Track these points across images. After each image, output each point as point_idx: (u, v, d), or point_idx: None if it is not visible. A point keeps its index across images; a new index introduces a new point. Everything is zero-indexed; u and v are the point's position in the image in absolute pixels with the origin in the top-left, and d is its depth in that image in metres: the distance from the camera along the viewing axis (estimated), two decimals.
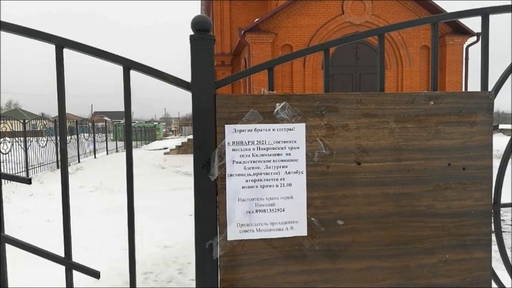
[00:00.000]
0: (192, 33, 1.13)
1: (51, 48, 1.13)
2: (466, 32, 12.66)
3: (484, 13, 1.27)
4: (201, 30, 1.12)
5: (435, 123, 1.19)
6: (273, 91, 1.19)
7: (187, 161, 15.19)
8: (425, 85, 12.73)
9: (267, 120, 1.13)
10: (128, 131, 1.19)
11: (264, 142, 1.12)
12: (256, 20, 12.47)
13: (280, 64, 1.23)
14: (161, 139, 37.03)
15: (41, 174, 11.81)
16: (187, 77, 1.21)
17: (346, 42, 1.26)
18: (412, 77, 12.82)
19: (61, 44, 1.09)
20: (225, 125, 1.11)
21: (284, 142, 1.13)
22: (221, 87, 1.17)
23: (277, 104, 1.13)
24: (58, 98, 1.13)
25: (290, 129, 1.13)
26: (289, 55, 1.24)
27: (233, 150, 1.11)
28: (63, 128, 1.17)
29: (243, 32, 12.06)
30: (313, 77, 12.45)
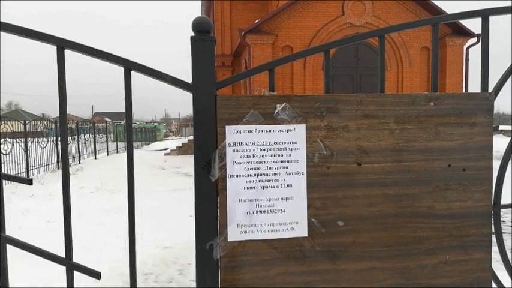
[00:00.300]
0: (193, 34, 1.13)
1: (51, 48, 1.14)
2: (467, 33, 12.66)
3: (484, 14, 1.27)
4: (201, 32, 1.13)
5: (435, 124, 1.19)
6: (274, 92, 1.19)
7: (187, 162, 15.18)
8: (425, 86, 12.73)
9: (268, 121, 1.13)
10: (128, 131, 1.19)
11: (264, 143, 1.12)
12: (257, 21, 12.49)
13: (280, 65, 1.23)
14: (161, 140, 37.05)
15: (41, 175, 11.81)
16: (187, 76, 1.21)
17: (347, 43, 1.26)
18: (413, 78, 12.83)
19: (62, 45, 1.09)
20: (226, 126, 1.11)
21: (284, 143, 1.13)
22: (222, 88, 1.18)
23: (278, 105, 1.14)
24: (59, 98, 1.14)
25: (290, 130, 1.13)
26: (290, 56, 1.24)
27: (234, 151, 1.11)
28: (64, 128, 1.17)
29: (243, 33, 12.07)
30: (313, 78, 12.45)
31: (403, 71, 12.79)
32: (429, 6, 12.41)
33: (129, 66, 1.14)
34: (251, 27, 12.10)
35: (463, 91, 12.45)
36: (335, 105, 1.16)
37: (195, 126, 1.13)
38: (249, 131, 1.12)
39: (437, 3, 12.42)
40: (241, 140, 1.11)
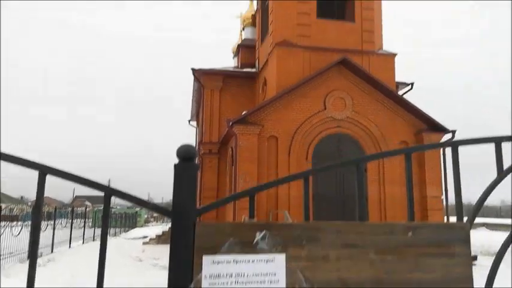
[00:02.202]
0: (177, 160, 1.16)
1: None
2: (442, 129, 13.37)
3: (454, 145, 1.35)
4: (185, 159, 1.16)
5: (414, 255, 1.19)
6: (254, 219, 1.19)
7: (167, 253, 14.41)
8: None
9: (247, 250, 1.11)
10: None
11: (242, 275, 1.09)
12: (244, 112, 13.06)
13: (261, 191, 1.25)
14: (142, 226, 35.78)
15: (8, 266, 11.00)
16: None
17: (327, 169, 1.31)
18: (394, 170, 13.09)
19: (44, 171, 1.10)
20: (203, 256, 1.08)
21: (263, 275, 1.10)
22: (202, 214, 1.18)
23: (258, 233, 1.12)
24: (33, 220, 1.11)
25: (270, 261, 1.11)
26: (271, 183, 1.27)
27: (210, 284, 1.07)
28: (35, 249, 1.12)
29: (231, 123, 12.53)
30: (298, 167, 12.64)
31: (384, 165, 13.14)
32: (405, 104, 13.30)
33: (110, 192, 1.14)
34: (239, 118, 12.61)
35: (443, 187, 12.75)
36: (315, 234, 1.15)
37: (171, 255, 1.10)
38: (227, 262, 1.09)
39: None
40: (218, 272, 1.08)
